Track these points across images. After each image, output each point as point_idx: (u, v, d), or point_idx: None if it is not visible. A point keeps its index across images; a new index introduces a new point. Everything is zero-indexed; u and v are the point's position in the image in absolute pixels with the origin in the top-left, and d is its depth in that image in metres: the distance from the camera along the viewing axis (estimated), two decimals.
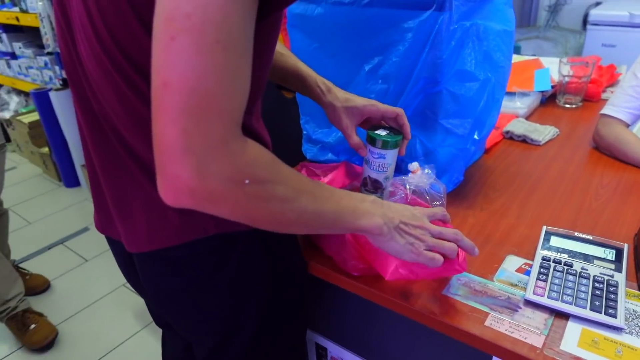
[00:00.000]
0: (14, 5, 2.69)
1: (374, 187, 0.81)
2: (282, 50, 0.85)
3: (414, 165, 0.79)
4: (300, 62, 0.85)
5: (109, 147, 0.62)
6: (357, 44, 0.92)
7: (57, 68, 2.70)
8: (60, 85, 2.60)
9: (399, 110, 0.80)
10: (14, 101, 3.57)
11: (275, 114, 1.05)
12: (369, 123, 0.84)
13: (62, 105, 2.54)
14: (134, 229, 0.64)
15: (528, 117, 1.26)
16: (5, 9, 2.77)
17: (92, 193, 0.72)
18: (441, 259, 0.61)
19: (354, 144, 0.80)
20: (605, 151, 1.04)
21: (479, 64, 0.85)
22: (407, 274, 0.66)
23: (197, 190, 0.43)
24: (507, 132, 1.15)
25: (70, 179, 2.84)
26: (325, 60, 0.98)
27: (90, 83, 0.59)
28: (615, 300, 0.61)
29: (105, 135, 0.61)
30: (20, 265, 2.07)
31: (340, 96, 0.83)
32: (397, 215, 0.61)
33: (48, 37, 2.49)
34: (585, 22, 2.32)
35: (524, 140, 1.13)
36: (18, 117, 3.00)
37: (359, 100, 0.82)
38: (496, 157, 1.08)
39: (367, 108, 0.81)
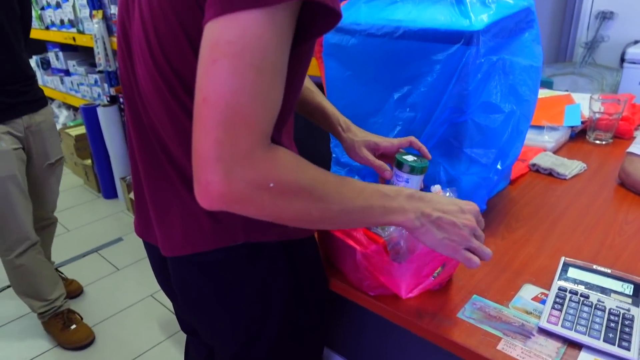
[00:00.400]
0: (72, 26, 2.90)
1: None
2: (311, 87, 0.92)
3: (436, 188, 0.82)
4: (326, 101, 0.92)
5: (154, 156, 0.68)
6: (388, 74, 0.97)
7: (105, 85, 2.87)
8: (108, 101, 2.77)
9: (412, 138, 0.86)
10: (64, 115, 3.80)
11: (306, 137, 1.11)
12: (384, 158, 0.88)
13: (108, 120, 2.69)
14: (170, 234, 0.70)
15: (556, 152, 1.27)
16: (64, 30, 2.99)
17: (134, 199, 0.79)
18: (478, 260, 0.62)
19: (378, 166, 0.85)
20: (632, 188, 1.04)
21: (504, 97, 0.88)
22: (417, 289, 0.68)
23: (226, 195, 0.48)
24: (534, 164, 1.17)
25: (108, 191, 2.98)
26: (357, 88, 1.03)
27: (142, 99, 0.66)
28: (630, 334, 0.61)
29: (152, 145, 0.68)
30: (59, 269, 2.18)
31: (358, 133, 0.89)
32: (436, 211, 0.61)
33: (100, 57, 2.67)
34: (622, 59, 2.31)
35: (550, 173, 1.14)
36: (66, 130, 3.19)
37: (375, 137, 0.89)
38: (521, 188, 1.09)
39: (382, 143, 0.87)
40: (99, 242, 2.54)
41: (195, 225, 0.67)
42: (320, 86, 1.14)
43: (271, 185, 0.50)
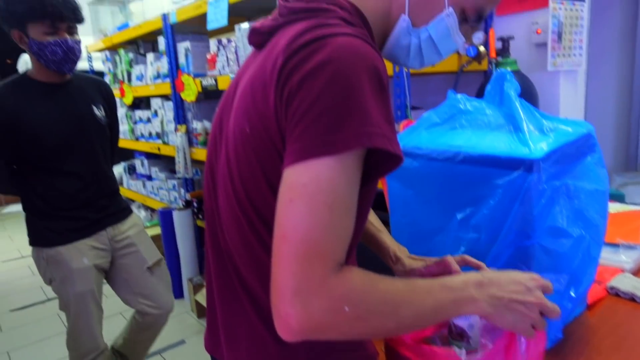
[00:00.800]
0: (158, 138, 3.26)
1: (460, 336, 0.82)
2: (370, 218, 0.99)
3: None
4: (380, 232, 0.98)
5: (228, 278, 0.73)
6: (450, 195, 1.00)
7: (182, 190, 3.12)
8: (183, 205, 2.98)
9: (464, 256, 0.88)
10: (142, 215, 4.11)
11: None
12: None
13: (182, 223, 2.88)
14: (237, 355, 0.72)
15: (636, 273, 1.19)
16: (151, 141, 3.36)
17: (207, 315, 0.83)
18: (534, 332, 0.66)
19: None
20: None
21: (571, 221, 0.87)
22: None
23: (305, 325, 0.52)
24: (612, 287, 1.10)
25: (175, 291, 3.08)
26: (419, 206, 1.06)
27: (221, 224, 0.73)
28: None
29: (227, 268, 0.73)
30: None
31: (406, 263, 0.93)
32: (507, 294, 0.64)
33: (180, 165, 2.95)
34: None
35: (633, 298, 1.06)
36: None
37: (419, 262, 0.92)
38: (600, 314, 1.02)
39: (425, 269, 0.90)
40: (162, 343, 2.58)
41: (261, 348, 0.69)
42: (382, 196, 1.20)
43: (346, 309, 0.53)
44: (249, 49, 2.18)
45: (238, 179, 0.67)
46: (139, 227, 1.94)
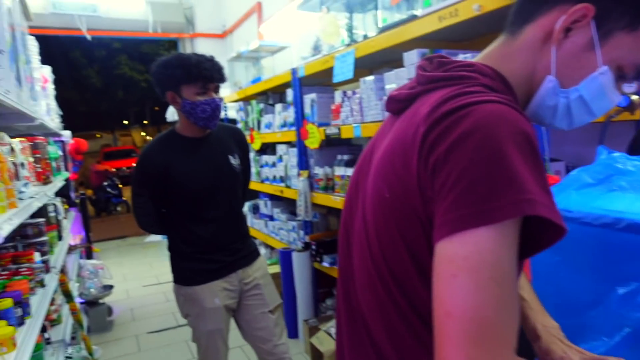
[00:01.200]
0: (282, 181, 3.46)
1: None
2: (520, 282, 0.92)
3: None
4: (526, 301, 0.89)
5: (360, 339, 0.73)
6: (608, 265, 0.90)
7: (301, 232, 3.24)
8: (302, 247, 3.08)
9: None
10: (262, 252, 4.34)
11: None
12: None
13: (300, 264, 2.97)
14: None
15: None
16: (275, 184, 3.57)
17: None
18: None
19: None
20: None
21: None
22: None
23: None
24: None
25: (291, 331, 3.15)
26: (568, 275, 0.97)
27: (355, 285, 0.73)
28: None
29: (358, 328, 0.73)
30: None
31: (542, 346, 0.83)
32: None
33: (301, 208, 3.07)
34: None
35: None
36: None
37: (557, 353, 0.80)
38: None
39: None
40: None
41: None
42: None
43: None
44: (373, 101, 2.24)
45: (375, 241, 0.67)
46: (265, 270, 2.03)
